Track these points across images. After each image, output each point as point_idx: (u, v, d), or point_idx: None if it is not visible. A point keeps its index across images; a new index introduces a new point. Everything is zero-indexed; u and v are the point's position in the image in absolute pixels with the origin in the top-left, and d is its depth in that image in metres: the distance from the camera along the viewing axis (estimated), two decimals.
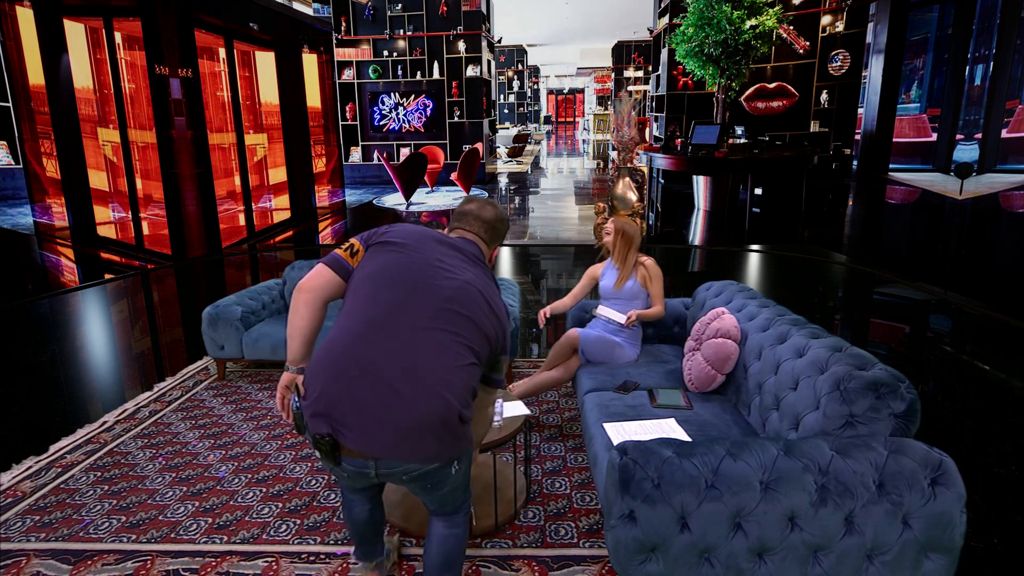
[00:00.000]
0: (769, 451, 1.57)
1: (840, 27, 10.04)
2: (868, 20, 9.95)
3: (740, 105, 10.71)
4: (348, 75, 12.13)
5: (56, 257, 7.10)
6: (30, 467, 2.73)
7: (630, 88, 21.25)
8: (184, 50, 7.51)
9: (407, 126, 12.40)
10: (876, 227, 8.45)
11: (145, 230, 7.79)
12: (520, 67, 27.33)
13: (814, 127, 10.51)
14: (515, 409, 2.36)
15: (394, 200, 10.53)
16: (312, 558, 2.12)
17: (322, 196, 11.20)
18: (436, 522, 1.69)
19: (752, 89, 10.67)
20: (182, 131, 7.56)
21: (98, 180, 7.60)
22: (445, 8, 11.74)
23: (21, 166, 7.10)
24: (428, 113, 12.32)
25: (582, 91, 38.40)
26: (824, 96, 10.33)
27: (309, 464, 2.74)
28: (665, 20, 11.58)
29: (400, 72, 12.05)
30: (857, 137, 10.39)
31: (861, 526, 1.51)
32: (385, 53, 12.05)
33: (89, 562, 2.12)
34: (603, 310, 3.04)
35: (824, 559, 1.53)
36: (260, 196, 9.73)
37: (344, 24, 11.91)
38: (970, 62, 9.56)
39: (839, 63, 10.10)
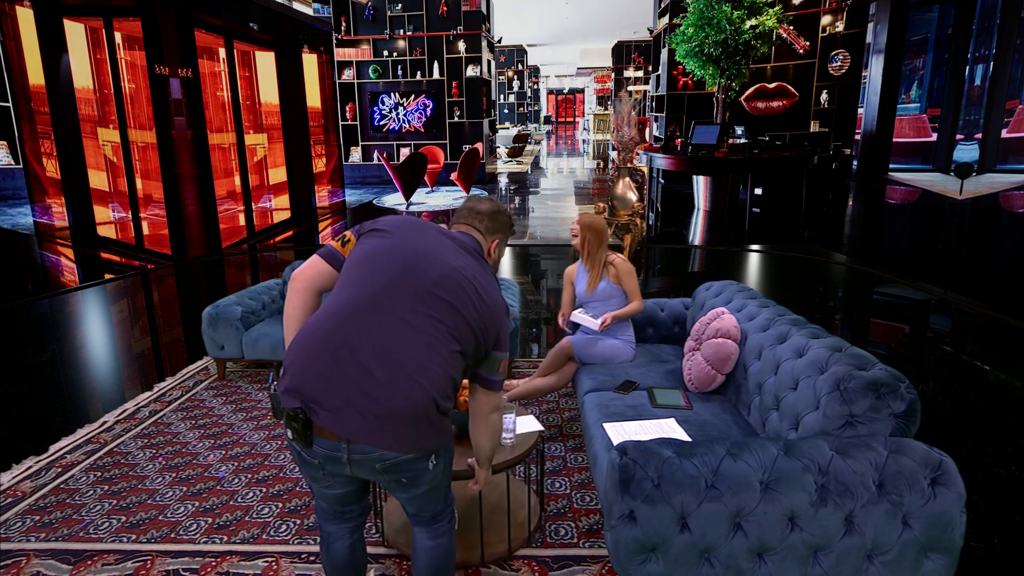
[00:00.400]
0: (769, 451, 1.57)
1: (840, 27, 10.04)
2: (868, 20, 9.95)
3: (740, 105, 10.71)
4: (348, 75, 12.13)
5: (56, 257, 7.10)
6: (30, 467, 2.73)
7: (630, 88, 21.24)
8: (184, 50, 7.51)
9: (407, 126, 12.40)
10: (876, 227, 8.45)
11: (145, 230, 7.79)
12: (520, 67, 27.33)
13: (814, 127, 10.51)
14: (528, 425, 2.22)
15: (394, 200, 10.53)
16: (312, 558, 2.12)
17: (322, 196, 11.20)
18: (419, 533, 1.64)
19: (752, 89, 10.67)
20: (182, 131, 7.56)
21: (98, 180, 7.60)
22: (445, 8, 11.74)
23: (21, 166, 7.10)
24: (428, 113, 12.32)
25: (582, 91, 38.40)
26: (824, 96, 10.33)
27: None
28: (665, 20, 11.58)
29: (400, 72, 12.05)
30: (857, 137, 10.39)
31: (861, 526, 1.51)
32: (385, 53, 12.05)
33: (89, 562, 2.12)
34: (577, 317, 2.99)
35: (824, 559, 1.53)
36: (260, 196, 9.74)
37: (344, 24, 11.91)
38: (970, 62, 9.56)
39: (839, 63, 10.10)
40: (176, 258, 7.18)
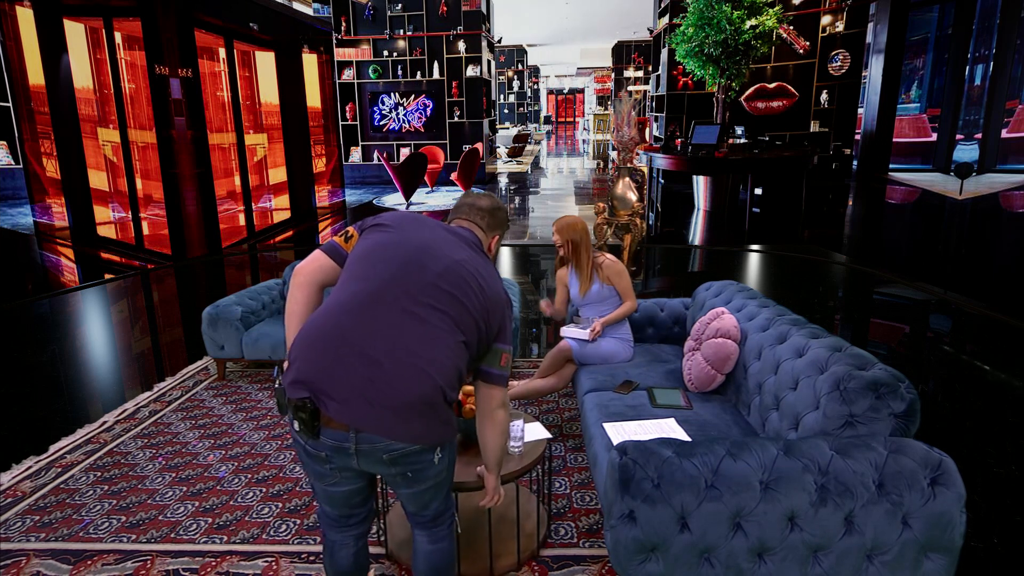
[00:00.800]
0: (769, 451, 1.57)
1: (840, 27, 10.04)
2: (868, 20, 9.95)
3: (740, 105, 10.70)
4: (348, 75, 12.13)
5: (56, 257, 7.10)
6: (30, 467, 2.73)
7: (630, 88, 21.25)
8: (184, 50, 7.51)
9: (407, 126, 12.40)
10: (876, 227, 8.45)
11: (145, 230, 7.79)
12: (520, 67, 27.33)
13: (814, 127, 10.51)
14: (537, 433, 2.19)
15: (394, 200, 10.52)
16: (312, 558, 2.12)
17: (322, 196, 11.20)
18: (419, 537, 1.64)
19: (752, 89, 10.66)
20: (182, 131, 7.56)
21: (98, 180, 7.60)
22: (445, 8, 11.74)
23: (21, 166, 7.09)
24: (428, 113, 12.32)
25: (582, 91, 38.40)
26: (824, 96, 10.33)
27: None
28: (665, 20, 11.58)
29: (400, 72, 12.05)
30: (857, 137, 10.39)
31: (861, 526, 1.51)
32: (385, 53, 12.05)
33: (89, 562, 2.12)
34: (566, 332, 2.97)
35: (824, 559, 1.53)
36: (260, 196, 9.74)
37: (344, 24, 11.91)
38: (970, 62, 9.56)
39: (839, 63, 10.09)
40: (176, 258, 7.18)
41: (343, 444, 1.38)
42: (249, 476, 2.66)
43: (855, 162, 10.43)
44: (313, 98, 11.10)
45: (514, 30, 19.66)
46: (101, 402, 3.47)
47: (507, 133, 19.93)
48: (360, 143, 12.45)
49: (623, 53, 22.82)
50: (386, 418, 1.36)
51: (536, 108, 33.01)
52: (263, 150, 9.79)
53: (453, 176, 10.80)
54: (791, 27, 10.17)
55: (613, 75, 23.85)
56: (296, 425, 1.39)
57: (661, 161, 8.92)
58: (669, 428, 2.23)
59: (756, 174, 8.63)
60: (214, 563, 2.11)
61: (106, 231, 7.73)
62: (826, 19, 10.22)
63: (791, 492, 1.51)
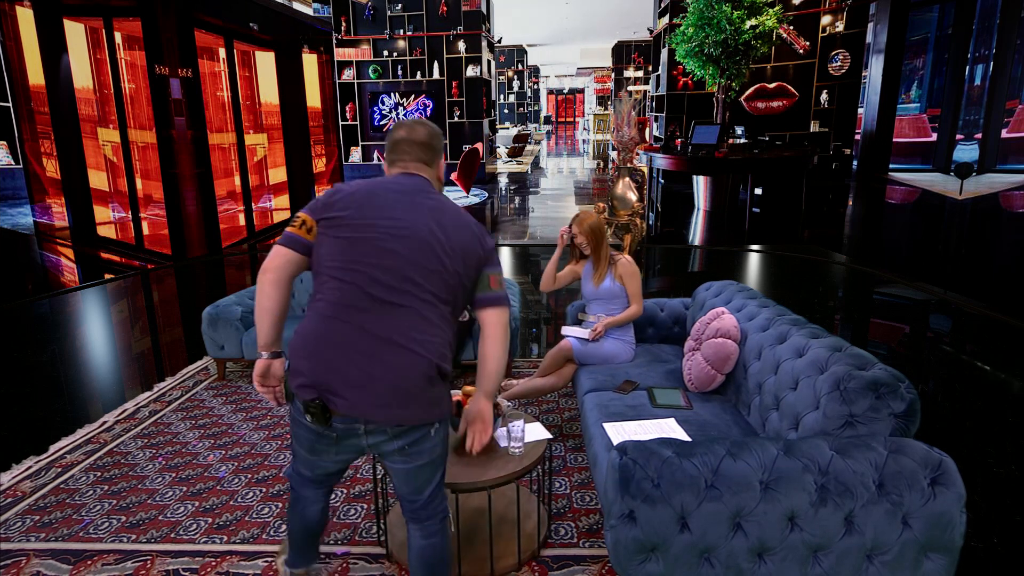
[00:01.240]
0: (769, 451, 1.57)
1: (840, 27, 10.04)
2: (868, 20, 9.95)
3: (740, 105, 10.70)
4: (348, 75, 12.13)
5: (56, 257, 7.10)
6: (30, 467, 2.73)
7: (630, 88, 21.24)
8: (184, 50, 7.51)
9: None
10: (876, 227, 8.45)
11: (145, 230, 7.79)
12: (520, 67, 27.33)
13: (814, 127, 10.51)
14: (537, 433, 2.18)
15: None
16: (321, 559, 2.12)
17: None
18: (413, 531, 1.67)
19: (752, 89, 10.66)
20: (182, 131, 7.56)
21: (98, 180, 7.60)
22: (445, 8, 11.74)
23: (21, 166, 7.09)
24: (428, 113, 12.32)
25: (582, 91, 38.39)
26: (824, 96, 10.32)
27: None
28: (665, 20, 11.58)
29: (400, 72, 12.05)
30: (857, 137, 10.39)
31: (861, 526, 1.51)
32: (385, 53, 12.05)
33: (89, 562, 2.12)
34: (567, 331, 3.00)
35: (824, 559, 1.53)
36: (260, 196, 9.74)
37: (344, 24, 11.91)
38: (970, 62, 9.56)
39: (839, 63, 10.09)
40: (176, 258, 7.18)
41: (353, 426, 1.51)
42: (249, 476, 2.66)
43: (855, 162, 10.43)
44: (313, 98, 11.10)
45: (514, 30, 19.66)
46: (101, 402, 3.47)
47: (507, 133, 19.93)
48: (360, 143, 12.45)
49: (623, 53, 22.81)
50: (389, 407, 1.48)
51: (536, 108, 33.00)
52: (263, 150, 9.79)
53: (453, 176, 10.79)
54: (791, 27, 10.17)
55: (613, 75, 23.85)
56: (308, 419, 1.51)
57: (661, 161, 8.92)
58: (669, 428, 2.23)
59: (756, 174, 8.63)
60: (214, 563, 2.11)
61: (106, 231, 7.73)
62: (826, 19, 10.22)
63: (791, 492, 1.51)
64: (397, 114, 12.32)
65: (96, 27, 7.29)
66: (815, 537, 1.52)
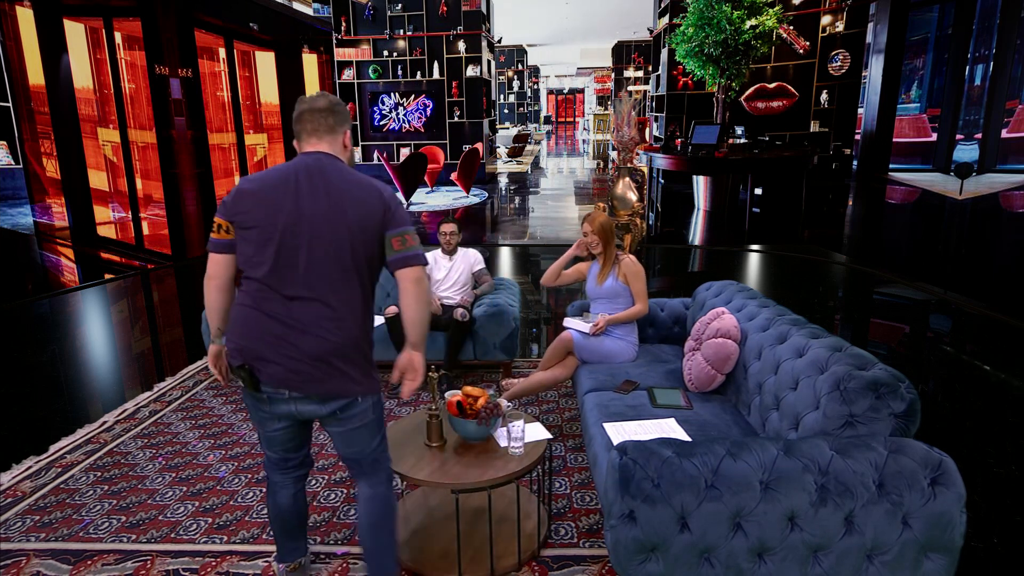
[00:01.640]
0: (769, 451, 1.57)
1: (840, 27, 10.04)
2: (868, 20, 9.95)
3: (740, 105, 10.70)
4: (348, 75, 12.13)
5: (56, 257, 7.10)
6: (30, 467, 2.73)
7: (630, 88, 21.24)
8: (184, 50, 7.51)
9: (407, 126, 12.40)
10: (876, 227, 8.45)
11: (145, 230, 7.79)
12: (520, 67, 27.32)
13: (814, 127, 10.51)
14: (537, 433, 2.17)
15: None
16: (313, 558, 2.12)
17: None
18: (361, 486, 1.82)
19: (752, 89, 10.66)
20: (182, 131, 7.57)
21: (98, 180, 7.60)
22: (445, 8, 11.74)
23: (21, 166, 7.10)
24: (428, 113, 12.32)
25: (582, 91, 38.39)
26: (824, 96, 10.32)
27: (309, 475, 2.73)
28: (665, 20, 11.58)
29: (400, 72, 12.05)
30: (857, 137, 10.39)
31: (861, 526, 1.51)
32: (385, 53, 12.05)
33: (89, 562, 2.12)
34: (569, 323, 3.02)
35: (824, 559, 1.53)
36: None
37: (344, 24, 11.91)
38: (970, 62, 9.56)
39: (839, 63, 10.09)
40: (176, 258, 7.18)
41: (279, 392, 1.65)
42: (249, 476, 2.66)
43: (855, 162, 10.43)
44: None
45: (514, 30, 19.65)
46: (101, 402, 3.47)
47: (507, 133, 19.93)
48: (360, 143, 12.45)
49: (623, 53, 22.81)
50: (308, 381, 1.62)
51: (536, 108, 32.99)
52: (263, 150, 9.79)
53: (453, 176, 10.80)
54: (791, 27, 10.17)
55: (613, 75, 23.85)
56: (242, 384, 1.68)
57: (661, 161, 8.92)
58: (669, 428, 2.23)
59: (756, 174, 8.63)
60: (214, 563, 2.11)
61: (106, 231, 7.74)
62: (826, 19, 10.22)
63: (791, 492, 1.51)
64: (397, 114, 12.33)
65: (96, 27, 7.29)
66: (815, 537, 1.52)
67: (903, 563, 1.53)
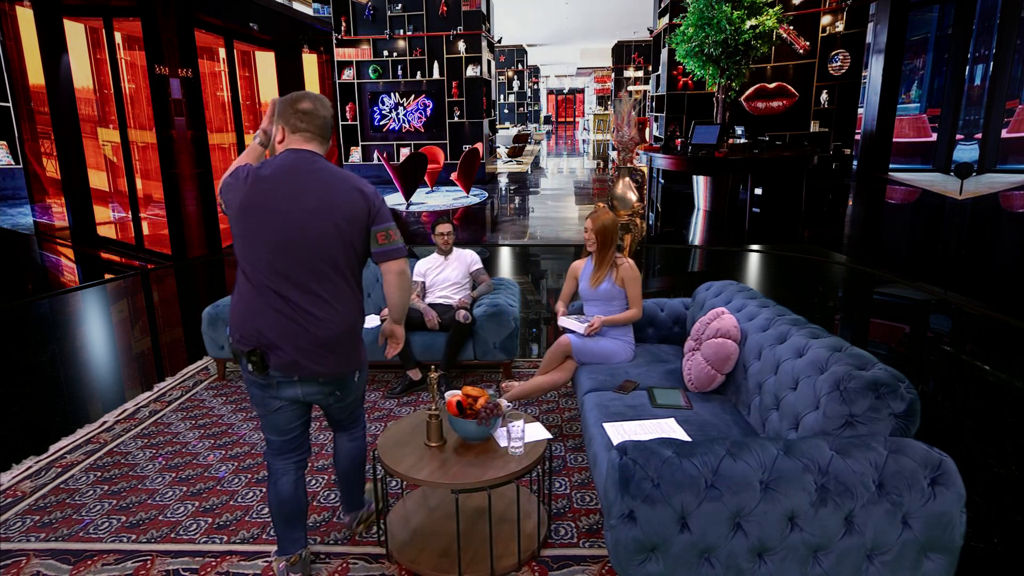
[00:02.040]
0: (769, 451, 1.57)
1: (840, 27, 10.04)
2: (868, 20, 9.94)
3: (740, 105, 10.70)
4: (348, 75, 12.13)
5: (56, 257, 7.10)
6: (30, 467, 2.73)
7: (630, 88, 21.24)
8: (184, 50, 7.51)
9: (407, 126, 12.39)
10: (876, 227, 8.45)
11: (145, 230, 7.79)
12: (520, 67, 27.31)
13: (814, 127, 10.51)
14: (537, 433, 2.17)
15: (394, 200, 10.52)
16: (313, 558, 2.12)
17: None
18: (340, 439, 2.12)
19: (752, 89, 10.66)
20: (182, 131, 7.56)
21: (98, 180, 7.60)
22: (445, 8, 11.74)
23: (21, 166, 7.09)
24: (428, 113, 12.32)
25: (582, 91, 38.38)
26: (824, 96, 10.32)
27: (308, 464, 2.74)
28: (665, 20, 11.58)
29: (400, 72, 12.05)
30: (857, 137, 10.38)
31: (861, 526, 1.51)
32: (385, 53, 12.05)
33: (89, 562, 2.12)
34: (564, 322, 3.01)
35: (824, 559, 1.53)
36: None
37: (344, 24, 11.91)
38: (970, 62, 9.56)
39: (839, 63, 10.09)
40: (176, 258, 7.18)
41: (288, 375, 1.80)
42: (249, 476, 2.66)
43: (855, 162, 10.42)
44: None
45: (514, 30, 19.66)
46: (101, 402, 3.47)
47: (507, 133, 19.92)
48: (360, 143, 12.45)
49: (623, 53, 22.81)
50: (311, 362, 1.78)
51: (536, 108, 32.98)
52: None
53: (453, 176, 10.80)
54: (791, 27, 10.17)
55: (613, 75, 23.84)
56: (249, 367, 1.79)
57: (661, 161, 8.92)
58: (669, 428, 2.23)
59: (756, 174, 8.63)
60: (214, 563, 2.11)
61: (106, 231, 7.73)
62: (826, 19, 10.22)
63: (791, 492, 1.51)
64: (397, 114, 12.32)
65: (96, 27, 7.29)
66: (815, 537, 1.52)
67: (903, 563, 1.53)
